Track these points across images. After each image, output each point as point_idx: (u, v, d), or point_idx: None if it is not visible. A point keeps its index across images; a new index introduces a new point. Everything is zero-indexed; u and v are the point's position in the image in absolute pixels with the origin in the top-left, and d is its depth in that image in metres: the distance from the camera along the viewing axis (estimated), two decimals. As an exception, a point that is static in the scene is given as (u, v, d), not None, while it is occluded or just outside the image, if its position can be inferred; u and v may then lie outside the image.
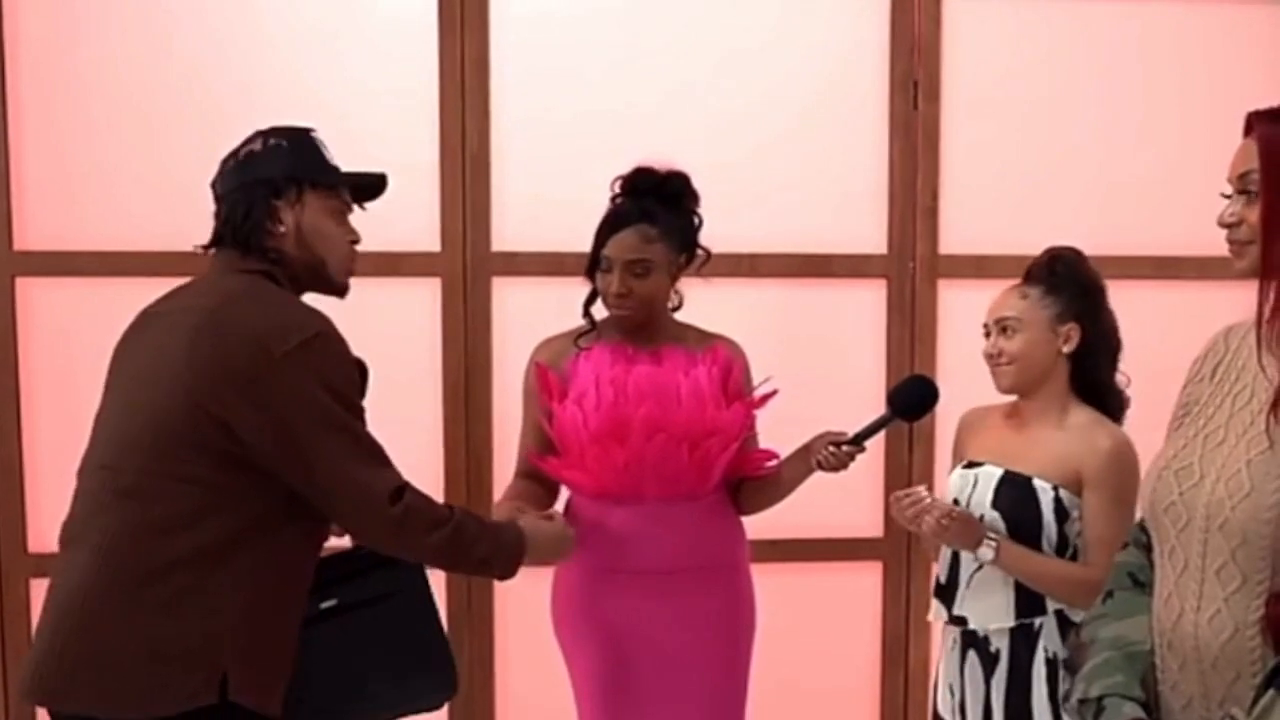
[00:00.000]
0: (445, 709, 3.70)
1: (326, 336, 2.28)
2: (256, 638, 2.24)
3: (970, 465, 2.79)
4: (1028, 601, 2.66)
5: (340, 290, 2.50)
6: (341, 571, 2.51)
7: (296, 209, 2.40)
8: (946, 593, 2.77)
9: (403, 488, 2.31)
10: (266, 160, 2.41)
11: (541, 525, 2.65)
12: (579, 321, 2.98)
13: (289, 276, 2.41)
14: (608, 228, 2.88)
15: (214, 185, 2.44)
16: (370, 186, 2.55)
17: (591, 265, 2.89)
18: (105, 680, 2.19)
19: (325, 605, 2.47)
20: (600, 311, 2.96)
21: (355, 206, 2.53)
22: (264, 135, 2.44)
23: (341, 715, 2.51)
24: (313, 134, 2.47)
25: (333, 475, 2.25)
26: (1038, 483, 2.66)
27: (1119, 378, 2.76)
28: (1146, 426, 2.72)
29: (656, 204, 2.88)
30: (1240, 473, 1.80)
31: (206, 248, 2.44)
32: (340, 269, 2.47)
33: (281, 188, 2.39)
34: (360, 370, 2.43)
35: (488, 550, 2.46)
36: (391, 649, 2.52)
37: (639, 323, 2.91)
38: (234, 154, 2.44)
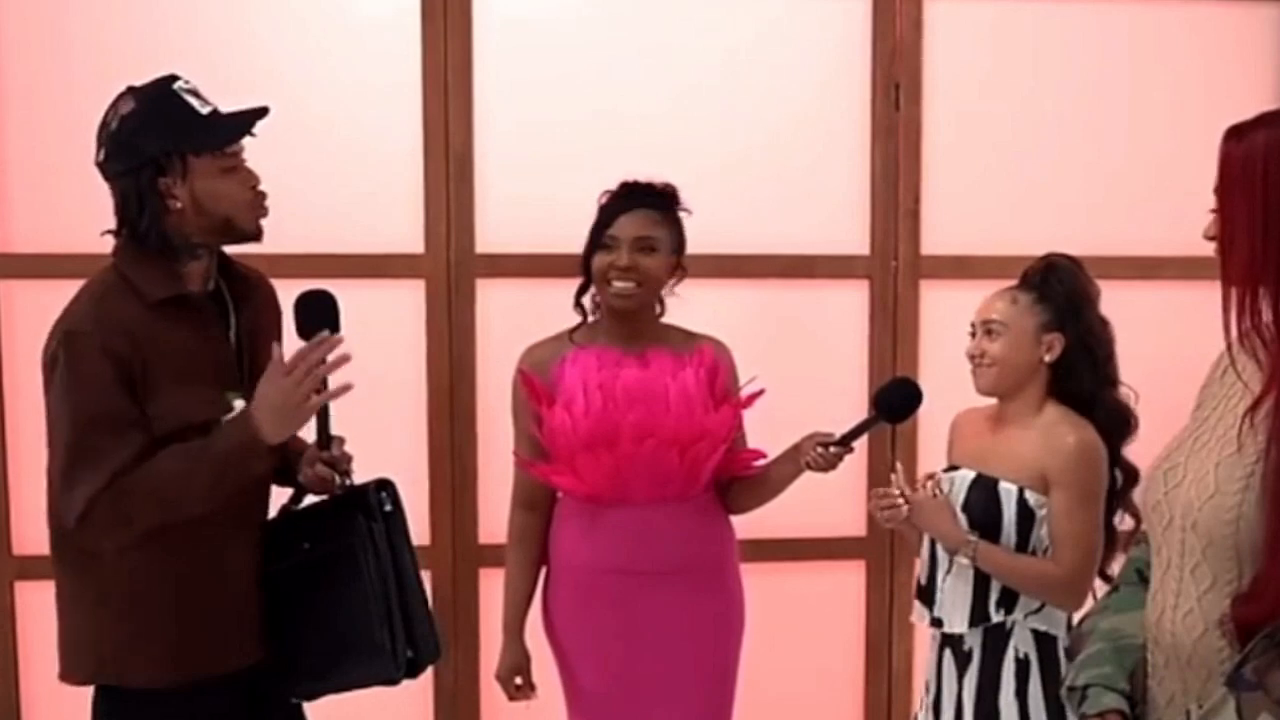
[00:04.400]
0: (431, 709, 3.72)
1: (67, 336, 2.31)
2: (132, 626, 2.38)
3: (952, 468, 2.83)
4: (981, 608, 2.70)
5: (254, 236, 2.46)
6: (310, 525, 2.56)
7: (187, 182, 2.37)
8: (927, 595, 2.80)
9: (86, 511, 2.27)
10: (140, 134, 2.35)
11: (262, 390, 2.36)
12: (564, 323, 2.99)
13: (188, 246, 2.40)
14: (614, 209, 2.90)
15: (99, 166, 2.41)
16: (251, 120, 2.45)
17: (590, 251, 2.90)
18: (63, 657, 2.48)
19: (294, 557, 2.52)
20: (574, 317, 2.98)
21: (250, 135, 2.45)
22: (124, 97, 2.39)
23: (321, 668, 2.53)
24: (175, 86, 2.40)
25: (52, 476, 2.34)
26: (1003, 485, 2.69)
27: (1123, 391, 2.75)
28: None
29: (658, 199, 2.94)
30: (1209, 474, 1.83)
31: (116, 233, 2.43)
32: (247, 219, 2.44)
33: (164, 165, 2.36)
34: (308, 306, 2.46)
35: (212, 473, 2.32)
36: (345, 610, 2.47)
37: (634, 311, 2.91)
38: (104, 125, 2.40)
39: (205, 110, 2.41)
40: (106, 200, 3.54)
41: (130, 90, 2.40)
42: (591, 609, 2.92)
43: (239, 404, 2.41)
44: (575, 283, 2.99)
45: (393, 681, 2.54)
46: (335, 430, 2.56)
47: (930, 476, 2.78)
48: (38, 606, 3.63)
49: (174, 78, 2.41)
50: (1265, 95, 3.77)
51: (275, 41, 3.58)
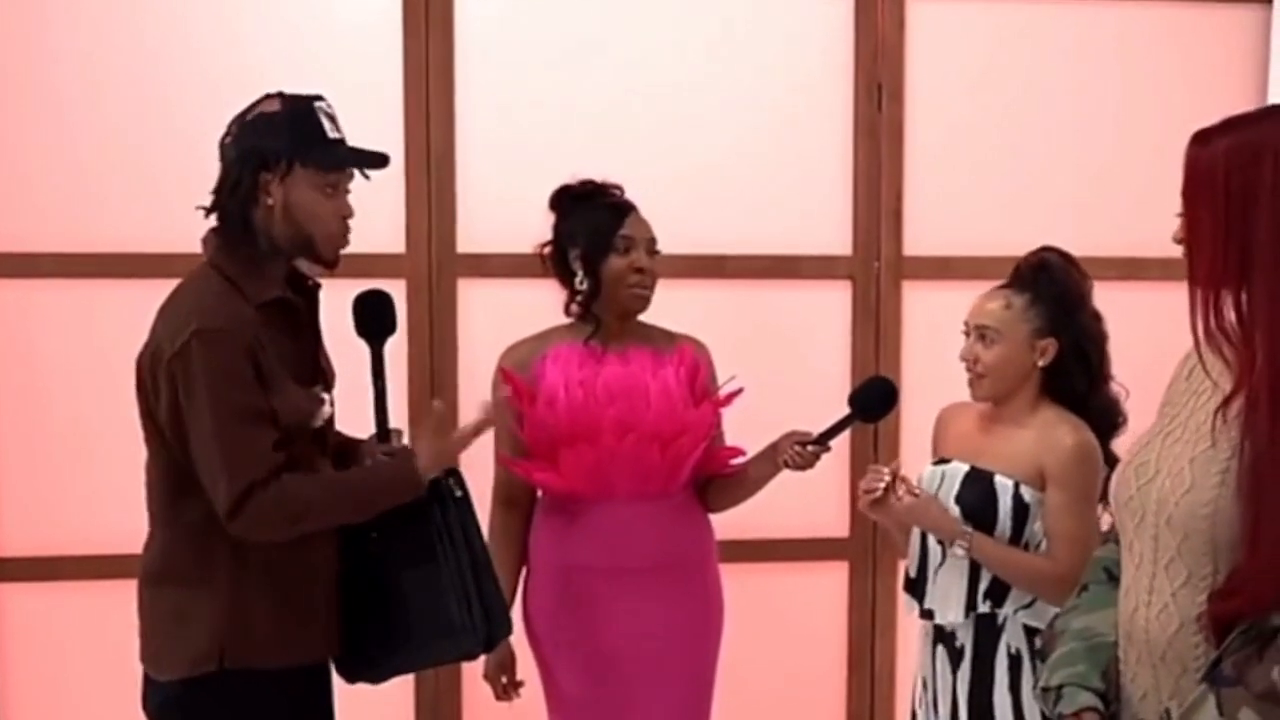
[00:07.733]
0: (412, 711, 3.70)
1: (202, 333, 2.31)
2: (251, 610, 2.41)
3: (941, 461, 2.82)
4: (973, 597, 2.69)
5: (328, 263, 2.51)
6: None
7: (286, 184, 2.41)
8: (917, 587, 2.79)
9: (242, 498, 2.30)
10: (263, 129, 2.41)
11: (426, 443, 2.56)
12: (546, 323, 2.98)
13: (273, 250, 2.44)
14: (616, 213, 2.89)
15: (221, 143, 2.46)
16: (370, 161, 2.53)
17: (598, 252, 2.87)
18: (147, 645, 2.49)
19: (363, 547, 2.55)
20: (559, 315, 2.97)
21: (359, 174, 2.52)
22: (271, 98, 2.45)
23: (403, 650, 2.55)
24: (317, 104, 2.46)
25: (203, 473, 2.35)
26: (999, 480, 2.68)
27: (1115, 389, 2.75)
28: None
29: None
30: (1184, 469, 1.84)
31: (208, 212, 2.46)
32: (327, 245, 2.48)
33: (270, 161, 2.40)
34: (368, 306, 2.66)
35: (371, 494, 2.47)
36: (424, 594, 2.51)
37: (642, 311, 2.92)
38: (244, 112, 2.46)
39: (332, 134, 2.47)
40: (81, 199, 3.55)
41: (280, 94, 2.46)
42: (571, 608, 2.92)
43: (328, 401, 2.55)
44: (558, 282, 2.97)
45: (472, 656, 2.68)
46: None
47: (902, 480, 2.75)
48: (22, 608, 3.63)
49: (319, 97, 2.48)
50: (1249, 97, 3.78)
51: (257, 41, 3.57)
